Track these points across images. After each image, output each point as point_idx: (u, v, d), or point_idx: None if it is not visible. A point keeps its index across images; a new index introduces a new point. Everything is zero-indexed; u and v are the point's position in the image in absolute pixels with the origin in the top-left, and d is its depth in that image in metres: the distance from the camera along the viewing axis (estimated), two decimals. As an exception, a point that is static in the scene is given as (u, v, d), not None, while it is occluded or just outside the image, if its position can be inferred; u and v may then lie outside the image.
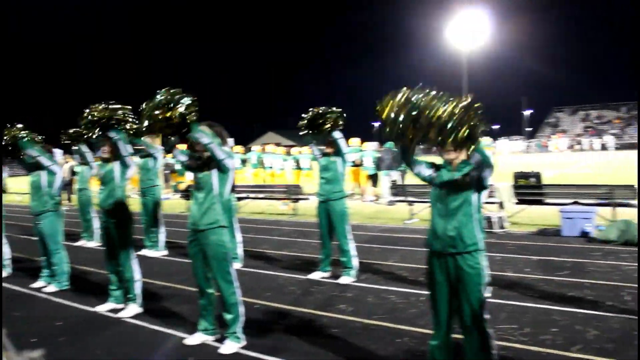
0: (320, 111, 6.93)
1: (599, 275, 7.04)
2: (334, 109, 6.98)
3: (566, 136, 72.30)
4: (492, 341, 3.65)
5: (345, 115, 7.03)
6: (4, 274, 8.07)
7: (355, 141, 18.03)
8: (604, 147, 62.66)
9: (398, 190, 12.89)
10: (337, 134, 6.98)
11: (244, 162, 19.41)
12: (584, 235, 9.75)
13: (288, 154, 20.32)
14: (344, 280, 7.05)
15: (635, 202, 10.30)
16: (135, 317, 5.88)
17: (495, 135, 76.05)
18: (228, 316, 4.89)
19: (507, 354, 4.54)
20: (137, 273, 6.04)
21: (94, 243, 10.59)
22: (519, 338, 4.91)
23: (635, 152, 44.77)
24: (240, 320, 4.92)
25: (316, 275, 7.34)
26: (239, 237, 8.32)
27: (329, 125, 6.89)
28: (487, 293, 6.02)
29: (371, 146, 17.83)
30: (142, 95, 4.83)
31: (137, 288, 6.05)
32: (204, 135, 4.59)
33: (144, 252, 9.42)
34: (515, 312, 5.62)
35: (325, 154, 7.19)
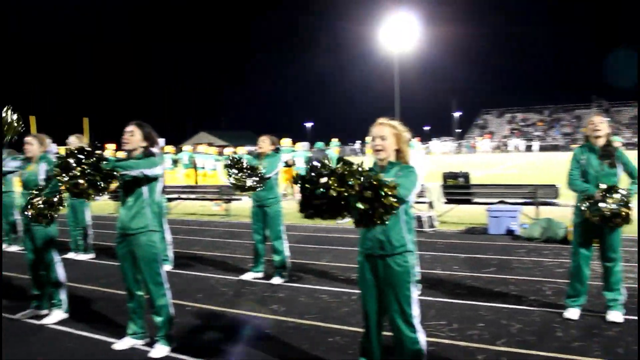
0: None
1: (523, 271, 7.32)
2: None
3: (493, 138, 74.61)
4: (422, 338, 3.72)
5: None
6: None
7: (287, 141, 18.05)
8: (528, 149, 65.02)
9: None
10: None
11: (175, 162, 19.10)
12: (510, 233, 10.10)
13: (220, 154, 20.14)
14: (277, 280, 7.05)
15: (557, 200, 10.76)
16: (60, 323, 5.67)
17: (426, 136, 77.77)
18: (158, 319, 4.79)
19: (436, 349, 4.66)
20: (61, 277, 5.83)
21: (16, 247, 10.17)
22: (447, 334, 5.04)
23: (557, 153, 46.42)
24: (171, 323, 4.84)
25: (248, 276, 7.31)
26: (169, 238, 8.18)
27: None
28: (417, 291, 6.16)
29: (303, 146, 17.87)
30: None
31: (62, 293, 5.84)
32: (124, 168, 4.49)
33: (70, 255, 9.13)
34: (444, 309, 5.77)
35: (258, 156, 7.17)
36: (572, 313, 5.36)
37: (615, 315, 5.23)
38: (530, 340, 4.83)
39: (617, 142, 14.68)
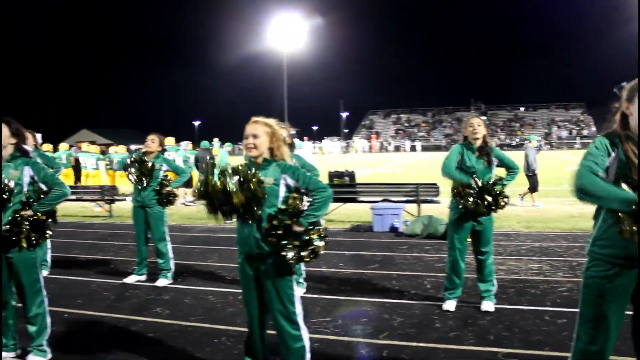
0: None
1: (405, 266, 7.59)
2: None
3: (379, 138, 76.76)
4: (305, 335, 3.76)
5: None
6: None
7: (170, 140, 17.69)
8: (413, 149, 67.48)
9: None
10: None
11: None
12: (393, 230, 10.44)
13: (103, 153, 19.38)
14: (161, 282, 6.88)
15: (438, 198, 11.24)
16: None
17: (314, 136, 78.74)
18: (32, 328, 4.49)
19: (320, 346, 4.72)
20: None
21: None
22: (332, 330, 5.12)
23: (439, 153, 48.40)
24: (47, 332, 4.56)
25: (131, 279, 7.08)
26: (48, 242, 7.75)
27: None
28: (302, 289, 6.23)
29: (184, 145, 17.52)
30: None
31: None
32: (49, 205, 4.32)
33: None
34: (328, 306, 5.86)
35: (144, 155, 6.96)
36: (450, 305, 5.62)
37: (488, 305, 5.54)
38: (411, 332, 5.02)
39: (534, 141, 15.48)
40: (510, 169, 5.65)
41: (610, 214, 2.76)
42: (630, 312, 2.98)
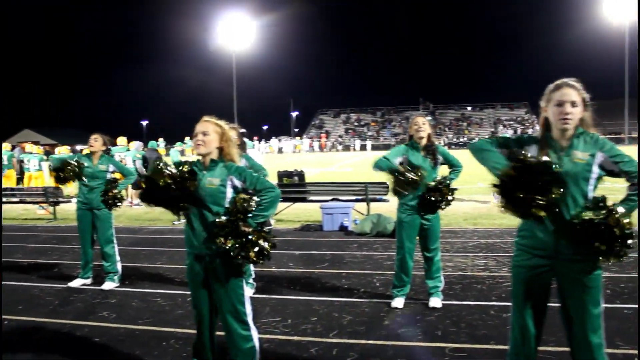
0: None
1: (355, 265, 7.64)
2: None
3: (329, 137, 77.05)
4: (255, 335, 3.75)
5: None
6: None
7: (122, 140, 17.34)
8: (363, 148, 67.95)
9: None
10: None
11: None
12: (343, 229, 10.49)
13: (47, 153, 18.86)
14: (107, 286, 6.74)
15: (386, 197, 11.35)
16: None
17: (265, 135, 78.50)
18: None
19: (270, 346, 4.72)
20: None
21: None
22: (282, 330, 5.12)
23: (387, 152, 48.89)
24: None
25: (76, 283, 6.91)
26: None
27: None
28: (252, 289, 6.21)
29: (136, 146, 17.18)
30: None
31: None
32: None
33: None
34: (278, 306, 5.86)
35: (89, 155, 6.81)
36: (398, 302, 5.68)
37: (435, 302, 5.63)
38: (360, 330, 5.06)
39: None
40: (454, 166, 5.74)
41: None
42: (557, 304, 3.15)
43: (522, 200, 2.76)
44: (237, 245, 3.46)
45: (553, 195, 2.75)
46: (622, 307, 5.48)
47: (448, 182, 5.52)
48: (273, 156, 52.14)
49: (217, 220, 3.53)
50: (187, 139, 41.65)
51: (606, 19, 56.22)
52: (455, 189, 5.58)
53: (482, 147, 3.10)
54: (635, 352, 4.35)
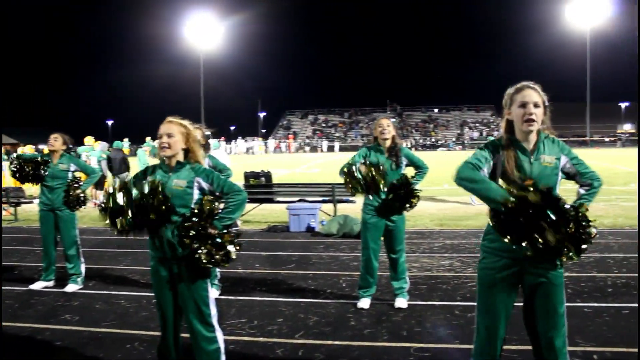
0: None
1: (321, 266, 7.66)
2: None
3: (297, 138, 77.05)
4: (220, 337, 3.73)
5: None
6: None
7: (89, 139, 17.11)
8: (330, 149, 68.10)
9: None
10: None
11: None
12: (310, 230, 10.51)
13: (8, 153, 18.48)
14: (70, 288, 6.63)
15: (353, 198, 11.39)
16: None
17: (232, 136, 78.09)
18: None
19: (236, 347, 4.70)
20: None
21: None
22: (247, 331, 5.11)
23: (354, 153, 49.14)
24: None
25: (38, 285, 6.77)
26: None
27: None
28: (217, 291, 6.17)
29: (101, 146, 16.94)
30: None
31: None
32: None
33: None
34: (244, 307, 5.83)
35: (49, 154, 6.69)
36: (364, 303, 5.71)
37: (401, 302, 5.68)
38: (326, 331, 5.07)
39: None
40: (419, 168, 5.76)
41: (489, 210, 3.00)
42: (521, 304, 3.20)
43: (520, 228, 2.72)
44: (202, 249, 3.43)
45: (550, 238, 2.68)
46: (582, 305, 5.59)
47: (413, 182, 5.54)
48: (240, 157, 51.90)
49: (184, 223, 3.48)
50: (148, 139, 41.15)
51: (569, 25, 57.43)
52: (420, 191, 5.60)
53: (472, 177, 2.98)
54: (594, 349, 4.46)
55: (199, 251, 3.42)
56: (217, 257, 3.45)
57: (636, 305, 5.53)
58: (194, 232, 3.43)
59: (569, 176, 3.14)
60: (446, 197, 15.61)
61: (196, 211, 3.50)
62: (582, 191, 3.12)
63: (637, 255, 7.35)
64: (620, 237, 9.19)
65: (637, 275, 6.62)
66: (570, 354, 3.26)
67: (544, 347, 3.13)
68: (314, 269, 7.46)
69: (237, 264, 7.84)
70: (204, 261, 3.42)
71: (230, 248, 3.51)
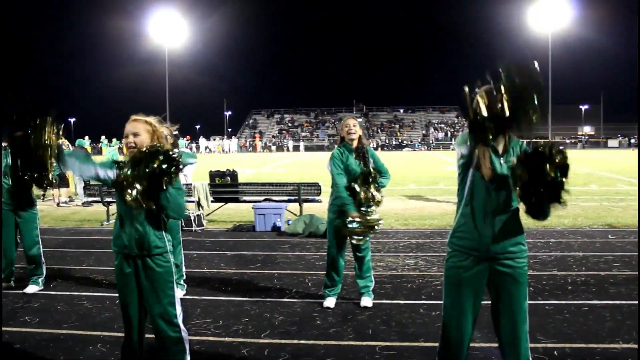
0: None
1: (287, 265, 7.65)
2: None
3: (262, 137, 76.86)
4: (185, 337, 3.69)
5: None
6: None
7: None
8: (296, 148, 68.09)
9: (94, 190, 12.30)
10: None
11: None
12: (275, 229, 10.48)
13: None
14: (31, 289, 6.48)
15: (318, 197, 11.42)
16: None
17: (197, 135, 77.46)
18: None
19: (201, 347, 4.67)
20: None
21: None
22: (213, 331, 5.07)
23: (321, 153, 49.13)
24: None
25: (-3, 287, 6.63)
26: None
27: None
28: (182, 290, 6.12)
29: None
30: None
31: None
32: None
33: None
34: (209, 307, 5.79)
35: None
36: (330, 302, 5.72)
37: (367, 301, 5.70)
38: (292, 330, 5.07)
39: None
40: (382, 173, 5.70)
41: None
42: (488, 302, 3.25)
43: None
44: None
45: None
46: (543, 303, 5.70)
47: (379, 184, 5.54)
48: (206, 156, 51.51)
49: None
50: (102, 137, 40.38)
51: (531, 28, 58.54)
52: (381, 198, 5.55)
53: None
54: (555, 346, 4.55)
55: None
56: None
57: (594, 302, 5.69)
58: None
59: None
60: (411, 197, 15.75)
61: None
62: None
63: (636, 253, 7.47)
64: (580, 237, 9.39)
65: (600, 273, 6.80)
66: (531, 350, 3.33)
67: (507, 342, 3.20)
68: (280, 269, 7.45)
69: (203, 263, 7.79)
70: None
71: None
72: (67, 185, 15.81)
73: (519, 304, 3.16)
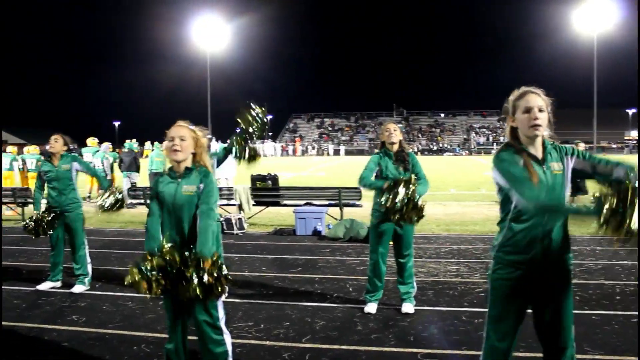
0: None
1: (328, 270, 7.64)
2: None
3: (303, 141, 77.12)
4: (228, 340, 3.73)
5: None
6: None
7: (92, 140, 17.16)
8: (336, 152, 68.14)
9: (138, 192, 12.54)
10: None
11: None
12: (316, 233, 10.49)
13: (19, 154, 18.55)
14: (77, 289, 6.64)
15: (359, 202, 11.39)
16: None
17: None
18: None
19: (242, 350, 4.69)
20: None
21: None
22: (254, 334, 5.10)
23: (361, 157, 49.03)
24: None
25: (45, 286, 6.79)
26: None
27: None
28: (224, 294, 6.15)
29: (104, 147, 16.97)
30: None
31: None
32: None
33: None
34: (251, 310, 5.83)
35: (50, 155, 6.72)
36: (371, 307, 5.69)
37: (408, 307, 5.65)
38: (333, 335, 5.06)
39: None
40: (420, 179, 5.48)
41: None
42: (530, 311, 3.17)
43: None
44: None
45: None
46: (590, 313, 5.56)
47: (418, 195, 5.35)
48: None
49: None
50: (129, 141, 41.03)
51: (576, 30, 57.35)
52: (423, 206, 5.39)
53: (552, 207, 2.91)
54: (603, 357, 4.44)
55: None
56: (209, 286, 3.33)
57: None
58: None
59: (584, 173, 3.04)
60: (452, 202, 15.58)
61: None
62: (620, 170, 2.86)
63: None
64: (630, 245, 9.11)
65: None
66: (579, 362, 3.25)
67: (553, 353, 3.13)
68: (321, 273, 7.45)
69: (244, 267, 7.84)
70: (198, 294, 3.30)
71: (206, 277, 3.34)
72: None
73: (565, 313, 3.08)
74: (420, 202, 5.22)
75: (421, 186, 5.31)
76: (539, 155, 3.02)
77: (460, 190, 19.09)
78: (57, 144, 6.69)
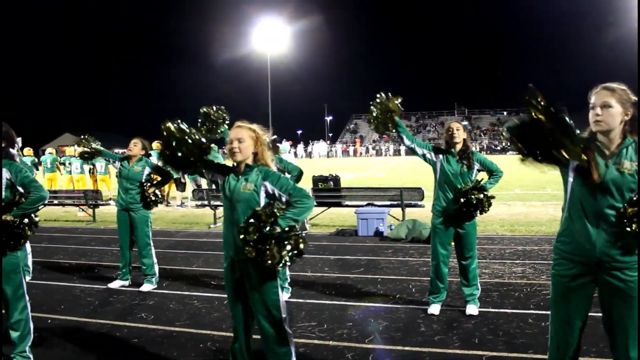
0: None
1: (390, 271, 7.61)
2: None
3: (363, 142, 76.98)
4: (291, 339, 3.76)
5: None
6: None
7: (156, 145, 17.58)
8: (397, 152, 67.71)
9: (202, 194, 12.81)
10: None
11: (35, 166, 17.98)
12: (378, 234, 10.46)
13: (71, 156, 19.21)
14: (145, 287, 6.84)
15: (422, 202, 11.29)
16: None
17: (299, 140, 78.65)
18: (15, 334, 4.42)
19: (306, 350, 4.73)
20: None
21: None
22: (318, 334, 5.13)
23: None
24: (29, 339, 4.50)
25: (116, 284, 7.03)
26: (28, 247, 7.66)
27: None
28: (287, 294, 6.22)
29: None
30: None
31: None
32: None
33: None
34: (314, 310, 5.87)
35: (124, 159, 6.93)
36: (434, 309, 5.64)
37: (472, 309, 5.57)
38: (396, 336, 5.04)
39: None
40: (493, 172, 5.69)
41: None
42: (599, 314, 3.10)
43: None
44: (266, 249, 3.41)
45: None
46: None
47: (485, 188, 5.45)
48: (308, 161, 52.29)
49: (244, 225, 3.46)
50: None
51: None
52: (492, 197, 5.50)
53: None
54: None
55: (264, 251, 3.41)
56: (283, 254, 3.45)
57: None
58: (255, 235, 3.41)
59: None
60: (517, 202, 15.25)
61: (257, 213, 3.47)
62: None
63: None
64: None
65: None
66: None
67: (622, 357, 3.02)
68: (383, 274, 7.43)
69: (306, 267, 7.90)
70: (268, 262, 3.42)
71: (294, 245, 3.49)
72: (183, 189, 16.50)
73: (631, 320, 2.95)
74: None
75: (494, 177, 5.73)
76: (611, 149, 2.98)
77: (525, 190, 18.63)
78: (135, 147, 6.93)
